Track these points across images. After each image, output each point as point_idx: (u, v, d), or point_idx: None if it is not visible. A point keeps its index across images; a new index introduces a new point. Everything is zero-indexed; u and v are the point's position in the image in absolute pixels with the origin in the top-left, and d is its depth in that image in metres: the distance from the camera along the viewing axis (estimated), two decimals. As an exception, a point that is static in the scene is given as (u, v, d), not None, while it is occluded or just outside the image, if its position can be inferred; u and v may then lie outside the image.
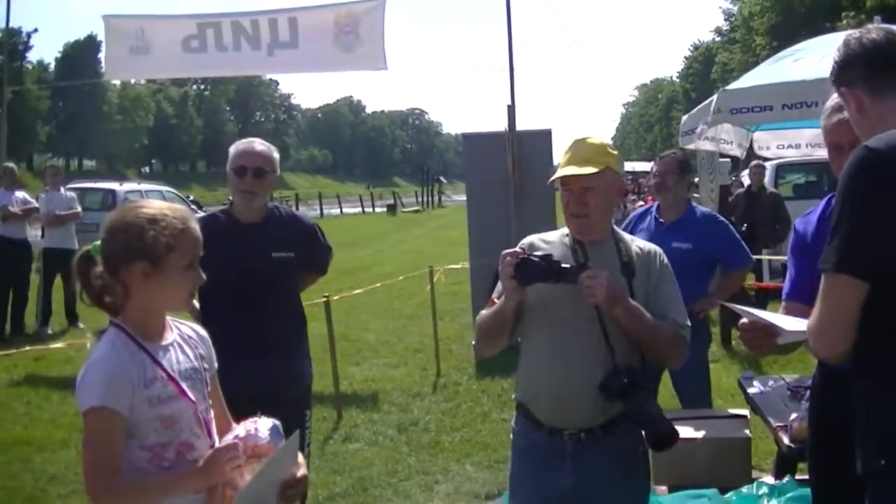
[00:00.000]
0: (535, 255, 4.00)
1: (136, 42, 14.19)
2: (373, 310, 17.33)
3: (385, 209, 70.13)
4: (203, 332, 3.62)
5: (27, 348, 11.37)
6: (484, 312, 4.31)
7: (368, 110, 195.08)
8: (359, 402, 10.47)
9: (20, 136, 79.22)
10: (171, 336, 3.44)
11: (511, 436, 4.40)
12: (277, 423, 3.50)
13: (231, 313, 5.49)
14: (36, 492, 7.78)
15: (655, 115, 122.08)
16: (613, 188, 4.25)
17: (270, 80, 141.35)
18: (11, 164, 15.85)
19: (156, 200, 3.48)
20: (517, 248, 4.15)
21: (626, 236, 4.42)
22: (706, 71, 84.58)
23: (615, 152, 4.28)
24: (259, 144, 5.71)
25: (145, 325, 3.34)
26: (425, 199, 79.61)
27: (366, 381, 11.65)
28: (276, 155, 5.79)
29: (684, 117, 13.49)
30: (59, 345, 12.02)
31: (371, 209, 75.79)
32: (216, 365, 3.62)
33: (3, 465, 8.52)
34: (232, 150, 5.70)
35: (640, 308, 4.04)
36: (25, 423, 9.84)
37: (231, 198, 5.81)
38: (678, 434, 4.09)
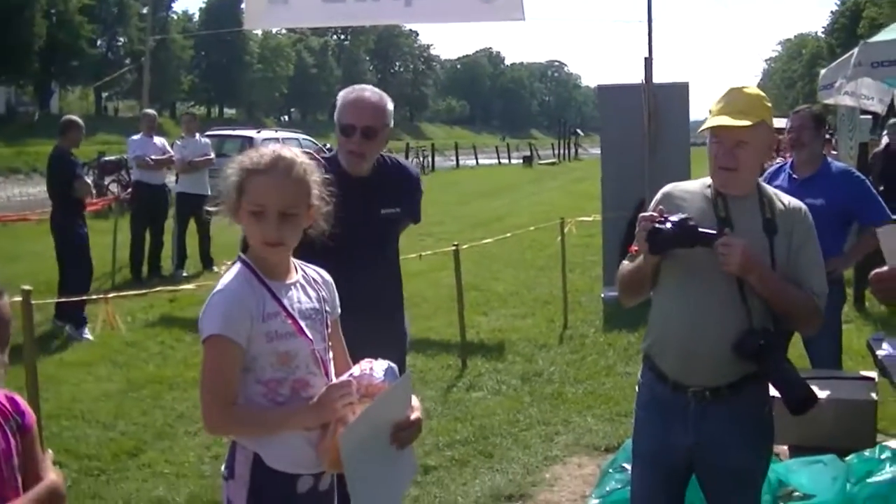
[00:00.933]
0: (672, 221, 3.89)
1: (275, -9, 14.29)
2: (504, 260, 17.33)
3: (521, 161, 69.94)
4: (328, 277, 3.66)
5: (162, 289, 11.64)
6: (625, 263, 4.25)
7: (507, 62, 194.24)
8: (484, 351, 10.50)
9: (164, 85, 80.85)
10: (294, 276, 3.48)
11: (636, 388, 4.36)
12: (393, 365, 3.52)
13: (331, 271, 5.21)
14: (165, 428, 8.01)
15: (798, 71, 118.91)
16: (766, 143, 4.11)
17: (410, 30, 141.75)
18: (152, 111, 16.18)
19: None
20: (652, 209, 4.03)
21: (771, 191, 4.25)
22: (853, 26, 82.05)
23: (770, 105, 4.11)
24: (370, 94, 5.07)
25: (263, 263, 3.38)
26: (561, 151, 79.22)
27: (492, 330, 11.66)
28: (390, 105, 5.13)
29: (823, 71, 13.12)
30: (191, 286, 12.27)
31: (507, 161, 75.62)
32: (339, 309, 3.66)
33: (135, 401, 8.78)
34: (340, 99, 5.11)
35: (776, 277, 3.94)
36: (158, 363, 10.12)
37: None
38: (816, 397, 3.99)
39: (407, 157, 51.62)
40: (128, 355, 10.45)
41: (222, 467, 3.48)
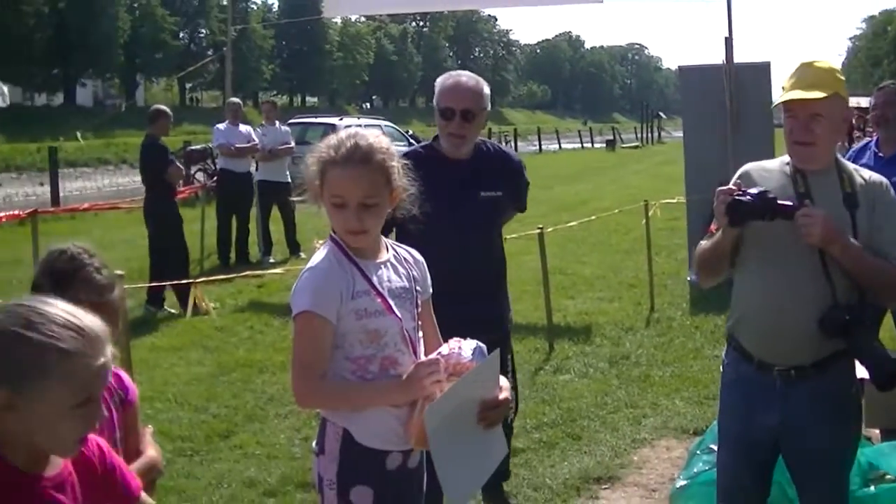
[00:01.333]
0: (750, 193, 3.85)
1: (354, -21, 14.41)
2: (589, 243, 17.30)
3: (604, 145, 69.56)
4: (419, 257, 3.69)
5: (249, 275, 11.79)
6: (703, 243, 4.21)
7: (587, 46, 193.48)
8: (571, 334, 10.49)
9: (246, 74, 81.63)
10: (385, 255, 3.52)
11: (721, 368, 4.34)
12: (482, 345, 3.54)
13: (433, 253, 5.38)
14: (256, 411, 8.11)
15: (884, 48, 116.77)
16: (840, 115, 4.06)
17: (489, 16, 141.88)
18: (237, 100, 16.37)
19: None
20: (731, 185, 3.99)
21: (850, 166, 4.20)
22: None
23: (843, 77, 4.06)
24: (466, 79, 5.31)
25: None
26: (644, 134, 78.74)
27: (579, 314, 11.64)
28: (487, 90, 5.34)
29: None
30: (278, 271, 12.42)
31: (590, 144, 75.27)
32: (430, 289, 3.69)
33: (226, 385, 8.92)
34: (438, 85, 5.34)
35: (859, 248, 3.87)
36: (248, 347, 10.25)
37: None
38: (905, 372, 3.93)
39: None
40: (218, 340, 10.60)
41: (313, 443, 3.54)
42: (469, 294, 5.08)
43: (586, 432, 7.36)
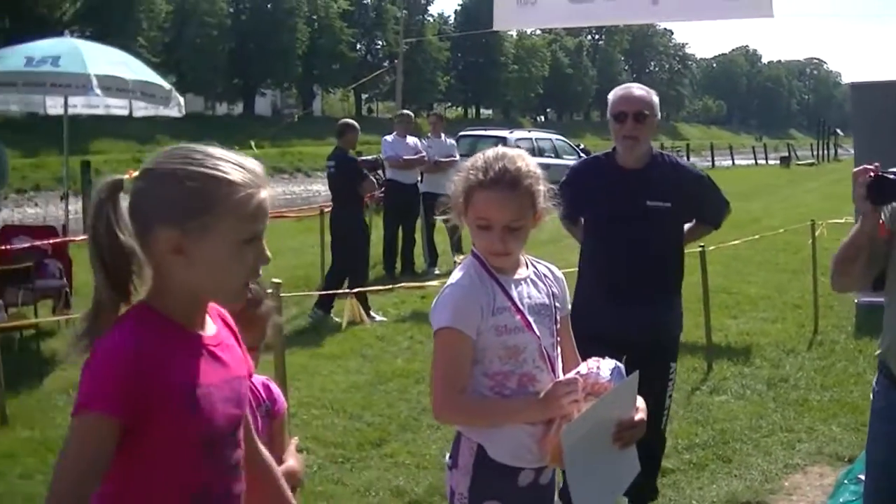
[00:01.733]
0: (893, 171, 3.75)
1: (524, -8, 14.44)
2: (755, 262, 17.01)
3: (778, 161, 68.18)
4: (559, 274, 3.69)
5: (411, 285, 11.96)
6: (841, 241, 4.12)
7: (764, 60, 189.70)
8: (730, 354, 10.36)
9: (420, 86, 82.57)
10: (524, 272, 3.53)
11: (871, 395, 4.25)
12: (621, 365, 3.53)
13: (600, 256, 5.75)
14: (409, 420, 8.22)
15: None
16: None
17: (665, 29, 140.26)
18: (408, 112, 16.62)
19: None
20: (870, 166, 3.84)
21: None
22: None
23: None
24: (637, 89, 5.70)
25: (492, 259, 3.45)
26: (820, 152, 76.76)
27: (740, 334, 11.47)
28: (656, 99, 5.70)
29: None
30: (439, 283, 12.51)
31: (764, 161, 73.83)
32: (569, 307, 3.69)
33: (382, 394, 9.06)
34: (610, 96, 5.70)
35: None
36: (407, 357, 10.39)
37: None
38: None
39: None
40: (377, 349, 10.77)
41: (447, 456, 3.58)
42: (632, 296, 5.49)
43: (738, 455, 7.26)
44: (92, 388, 2.35)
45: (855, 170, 3.81)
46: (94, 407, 2.33)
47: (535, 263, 3.62)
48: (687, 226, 6.05)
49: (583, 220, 5.94)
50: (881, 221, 3.79)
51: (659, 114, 5.71)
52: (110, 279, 2.46)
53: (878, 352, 4.18)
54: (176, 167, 2.43)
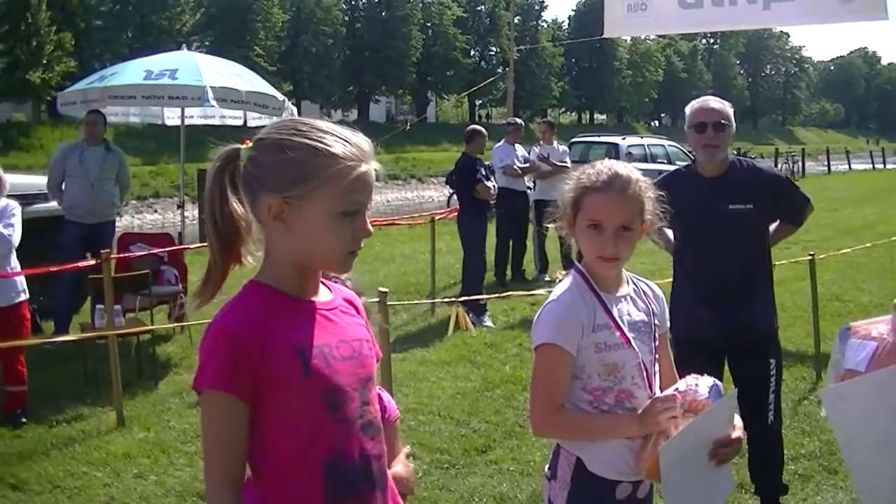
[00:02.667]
0: None
1: (634, 0, 14.41)
2: (870, 270, 16.60)
3: (896, 165, 66.79)
4: (658, 291, 3.71)
5: (523, 294, 11.99)
6: None
7: (884, 62, 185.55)
8: (841, 363, 10.15)
9: (534, 92, 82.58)
10: (626, 289, 3.55)
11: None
12: (719, 383, 3.53)
13: (690, 261, 6.06)
14: (515, 427, 8.24)
15: None
16: None
17: (781, 32, 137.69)
18: (518, 120, 16.64)
19: None
20: None
21: None
22: None
23: None
24: (715, 101, 6.01)
25: (597, 274, 3.49)
26: (943, 155, 74.91)
27: (852, 343, 11.24)
28: (731, 110, 6.02)
29: None
30: (549, 291, 12.51)
31: (882, 165, 72.27)
32: (668, 323, 3.71)
33: (489, 400, 9.11)
34: (688, 109, 6.02)
35: None
36: (515, 364, 10.40)
37: (693, 154, 6.19)
38: None
39: (776, 163, 50.47)
40: (486, 356, 10.80)
41: (546, 467, 3.63)
42: (723, 298, 5.85)
43: (844, 467, 7.15)
44: (207, 366, 2.51)
45: None
46: (213, 385, 2.49)
47: (635, 280, 3.65)
48: (772, 227, 6.27)
49: (670, 230, 6.12)
50: None
51: (734, 124, 6.04)
52: (220, 241, 2.61)
53: None
54: (283, 137, 2.57)
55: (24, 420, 8.49)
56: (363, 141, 2.63)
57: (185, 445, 7.85)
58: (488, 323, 12.41)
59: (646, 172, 3.81)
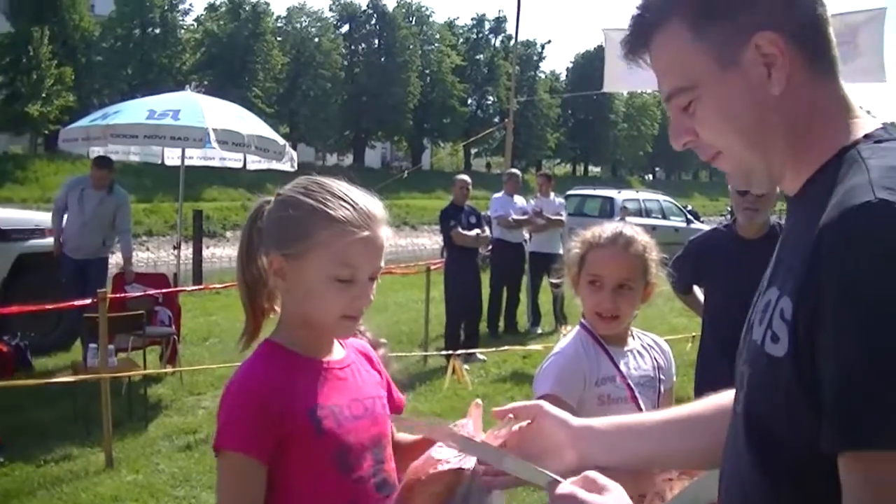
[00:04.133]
0: None
1: (635, 56, 14.49)
2: None
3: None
4: (665, 346, 3.74)
5: (514, 348, 11.97)
6: None
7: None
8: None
9: (530, 142, 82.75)
10: (632, 343, 3.59)
11: None
12: (714, 448, 3.53)
13: (722, 322, 5.86)
14: (506, 483, 8.17)
15: None
16: None
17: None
18: (516, 171, 16.68)
19: None
20: None
21: None
22: None
23: None
24: None
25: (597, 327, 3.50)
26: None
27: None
28: None
29: None
30: (548, 345, 12.52)
31: None
32: (674, 378, 3.73)
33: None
34: None
35: None
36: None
37: (732, 213, 6.28)
38: None
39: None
40: (476, 408, 10.72)
41: None
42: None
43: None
44: (229, 426, 2.49)
45: None
46: (236, 447, 2.47)
47: (641, 335, 3.67)
48: None
49: (701, 290, 6.35)
50: None
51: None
52: (247, 292, 2.67)
53: None
54: (292, 195, 2.59)
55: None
56: (375, 207, 2.62)
57: (174, 489, 7.80)
58: (480, 357, 12.63)
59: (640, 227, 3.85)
